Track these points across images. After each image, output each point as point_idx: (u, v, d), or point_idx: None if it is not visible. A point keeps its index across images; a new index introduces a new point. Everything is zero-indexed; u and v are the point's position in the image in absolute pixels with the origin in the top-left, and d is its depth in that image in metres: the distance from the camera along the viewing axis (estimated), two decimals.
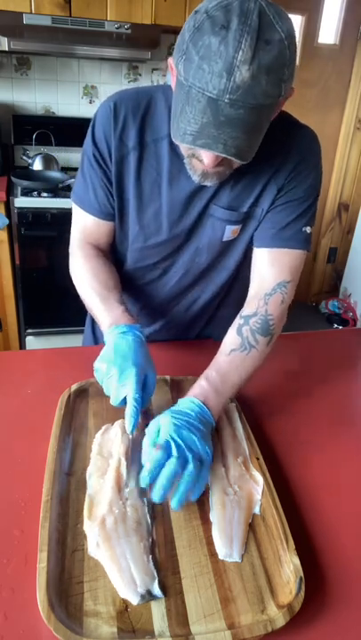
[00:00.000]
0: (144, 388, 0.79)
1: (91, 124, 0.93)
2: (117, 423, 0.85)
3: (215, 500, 0.73)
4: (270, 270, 0.93)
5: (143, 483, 0.69)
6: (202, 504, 0.74)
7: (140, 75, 2.72)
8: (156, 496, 0.67)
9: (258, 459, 0.80)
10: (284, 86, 0.69)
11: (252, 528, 0.71)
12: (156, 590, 0.61)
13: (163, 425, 0.74)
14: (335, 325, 3.34)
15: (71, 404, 0.91)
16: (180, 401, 0.80)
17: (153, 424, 0.76)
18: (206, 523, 0.71)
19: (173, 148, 0.89)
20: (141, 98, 0.89)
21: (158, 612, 0.59)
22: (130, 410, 0.76)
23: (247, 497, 0.74)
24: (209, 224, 0.95)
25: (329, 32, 2.93)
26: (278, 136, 0.87)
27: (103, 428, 0.85)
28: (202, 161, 0.77)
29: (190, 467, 0.70)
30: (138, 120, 0.88)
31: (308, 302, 3.73)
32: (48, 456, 0.77)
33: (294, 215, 0.93)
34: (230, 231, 0.95)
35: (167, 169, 0.90)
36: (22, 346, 2.57)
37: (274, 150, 0.88)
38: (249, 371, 0.87)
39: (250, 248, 0.99)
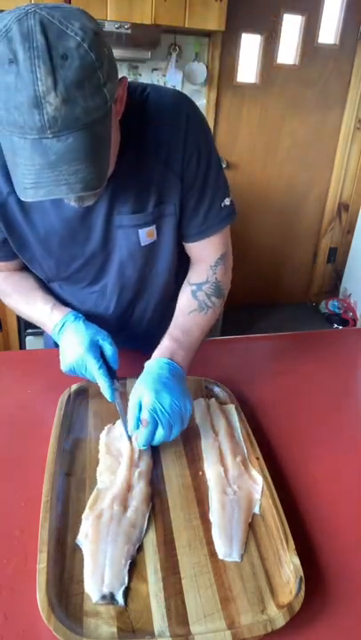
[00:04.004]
0: (105, 356, 0.88)
1: None
2: (119, 422, 0.86)
3: (215, 500, 0.73)
4: (207, 250, 0.97)
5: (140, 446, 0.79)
6: (202, 504, 0.74)
7: (140, 75, 2.72)
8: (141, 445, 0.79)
9: (258, 458, 0.80)
10: (107, 89, 0.63)
11: (252, 528, 0.71)
12: (120, 596, 0.60)
13: (143, 396, 0.78)
14: (335, 325, 3.34)
15: (71, 404, 0.91)
16: (148, 364, 0.84)
17: (133, 396, 0.80)
18: (206, 523, 0.71)
19: None
20: None
21: (158, 611, 0.59)
22: (100, 383, 0.85)
23: (246, 496, 0.74)
24: (121, 235, 0.90)
25: (329, 32, 2.93)
26: (145, 122, 0.82)
27: (106, 428, 0.86)
28: None
29: (175, 430, 0.78)
30: (0, 165, 0.81)
31: (308, 302, 3.73)
32: (48, 456, 0.77)
33: (209, 199, 0.91)
34: (145, 234, 0.91)
35: None
36: (22, 346, 2.57)
37: (149, 138, 0.83)
38: (208, 326, 0.95)
39: (179, 247, 0.98)
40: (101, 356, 0.87)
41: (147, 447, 0.79)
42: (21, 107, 0.58)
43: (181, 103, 0.86)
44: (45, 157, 0.61)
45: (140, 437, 0.78)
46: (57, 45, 0.58)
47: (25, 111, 0.58)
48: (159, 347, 0.88)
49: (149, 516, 0.71)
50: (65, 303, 1.01)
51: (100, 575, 0.62)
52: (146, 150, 0.83)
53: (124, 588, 0.62)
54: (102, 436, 0.84)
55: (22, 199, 0.66)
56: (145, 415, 0.77)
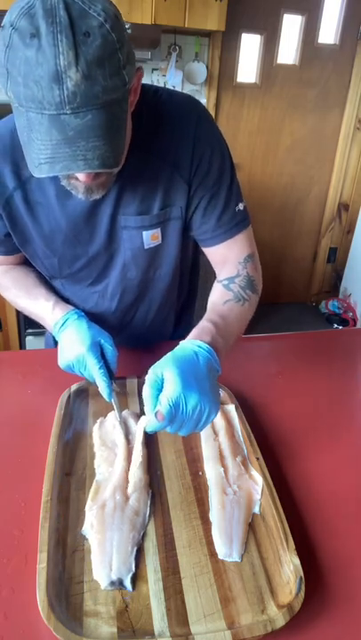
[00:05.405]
0: (106, 357, 0.87)
1: None
2: (111, 414, 0.87)
3: (215, 500, 0.73)
4: (233, 251, 0.94)
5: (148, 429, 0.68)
6: (202, 504, 0.74)
7: None
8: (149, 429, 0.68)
9: (258, 459, 0.80)
10: (125, 72, 0.63)
11: (252, 528, 0.71)
12: (128, 582, 0.62)
13: (168, 380, 0.66)
14: (335, 325, 3.34)
15: (71, 404, 0.91)
16: (184, 344, 0.73)
17: (156, 370, 0.69)
18: (206, 523, 0.71)
19: None
20: (3, 137, 0.83)
21: (158, 611, 0.59)
22: (99, 383, 0.84)
23: (247, 496, 0.74)
24: (125, 236, 0.90)
25: (329, 32, 2.93)
26: (156, 123, 0.82)
27: (98, 421, 0.87)
28: (78, 178, 0.72)
29: (183, 432, 0.68)
30: (8, 161, 0.83)
31: (308, 302, 3.73)
32: (48, 456, 0.77)
33: (222, 202, 0.89)
34: (149, 237, 0.91)
35: (54, 195, 0.85)
36: (22, 346, 2.57)
37: (159, 140, 0.83)
38: (245, 323, 0.88)
39: (183, 251, 0.98)
40: (102, 356, 0.87)
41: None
42: (41, 80, 0.58)
43: (192, 107, 0.86)
44: (63, 133, 0.61)
45: (149, 426, 0.67)
46: (80, 23, 0.58)
47: (44, 85, 0.58)
48: (196, 327, 0.79)
49: (149, 516, 0.71)
50: (66, 301, 1.01)
51: (107, 562, 0.63)
52: (154, 151, 0.83)
53: (131, 574, 0.63)
54: (95, 428, 0.85)
55: (36, 175, 0.65)
56: (163, 408, 0.64)
